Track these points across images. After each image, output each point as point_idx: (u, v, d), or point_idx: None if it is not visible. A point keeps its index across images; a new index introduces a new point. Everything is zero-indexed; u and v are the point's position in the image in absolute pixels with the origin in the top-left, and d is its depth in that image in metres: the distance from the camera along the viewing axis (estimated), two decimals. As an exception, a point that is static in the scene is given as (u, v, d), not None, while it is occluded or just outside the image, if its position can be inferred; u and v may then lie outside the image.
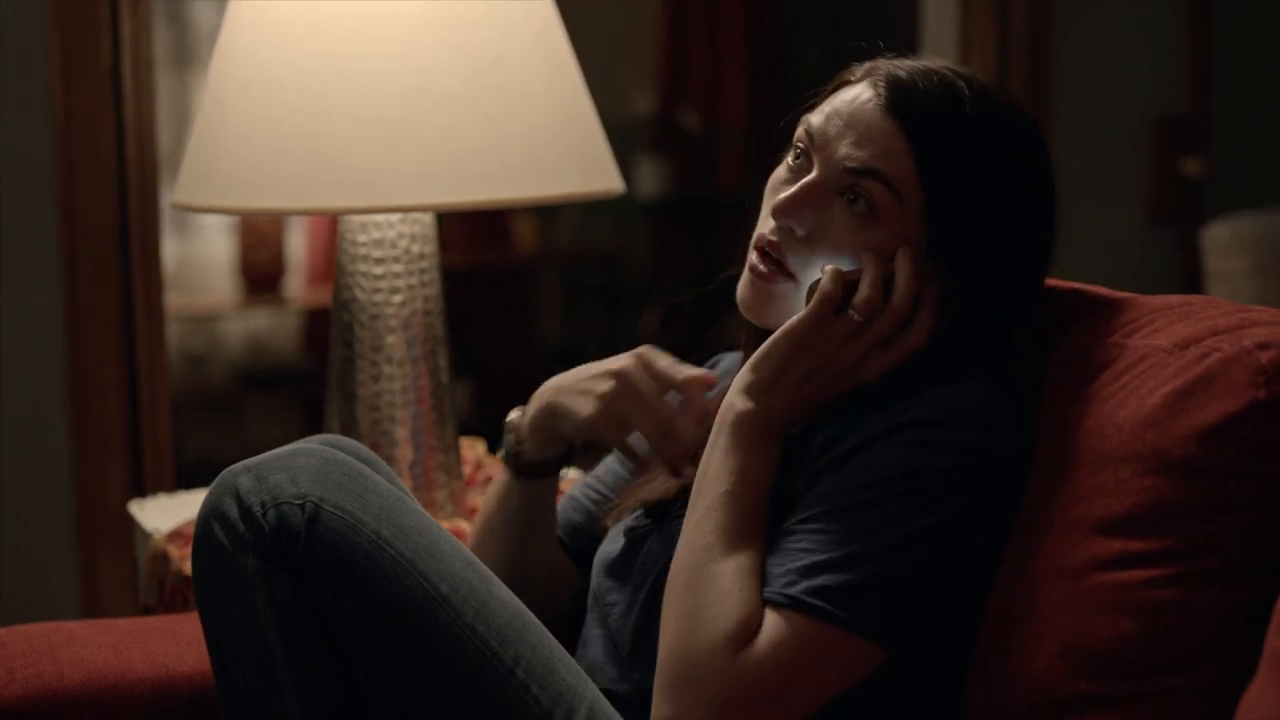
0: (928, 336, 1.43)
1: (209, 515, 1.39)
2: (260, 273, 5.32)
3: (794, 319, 1.42)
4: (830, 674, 1.32)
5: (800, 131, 1.47)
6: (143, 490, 2.65)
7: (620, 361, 1.57)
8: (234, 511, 1.37)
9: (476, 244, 5.77)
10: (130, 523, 2.53)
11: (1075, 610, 1.28)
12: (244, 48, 1.90)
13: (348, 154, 1.83)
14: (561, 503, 1.75)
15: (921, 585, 1.33)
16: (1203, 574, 1.23)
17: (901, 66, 1.45)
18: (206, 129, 1.94)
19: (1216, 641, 1.22)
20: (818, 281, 1.42)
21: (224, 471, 1.42)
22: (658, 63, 6.07)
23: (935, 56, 1.53)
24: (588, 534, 1.68)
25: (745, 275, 1.48)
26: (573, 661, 1.40)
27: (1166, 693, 1.23)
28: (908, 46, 1.61)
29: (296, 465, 1.39)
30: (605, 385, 1.56)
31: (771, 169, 1.51)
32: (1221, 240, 3.60)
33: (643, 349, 1.58)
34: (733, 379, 1.66)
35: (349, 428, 2.02)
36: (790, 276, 1.45)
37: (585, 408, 1.57)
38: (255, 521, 1.36)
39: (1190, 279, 3.67)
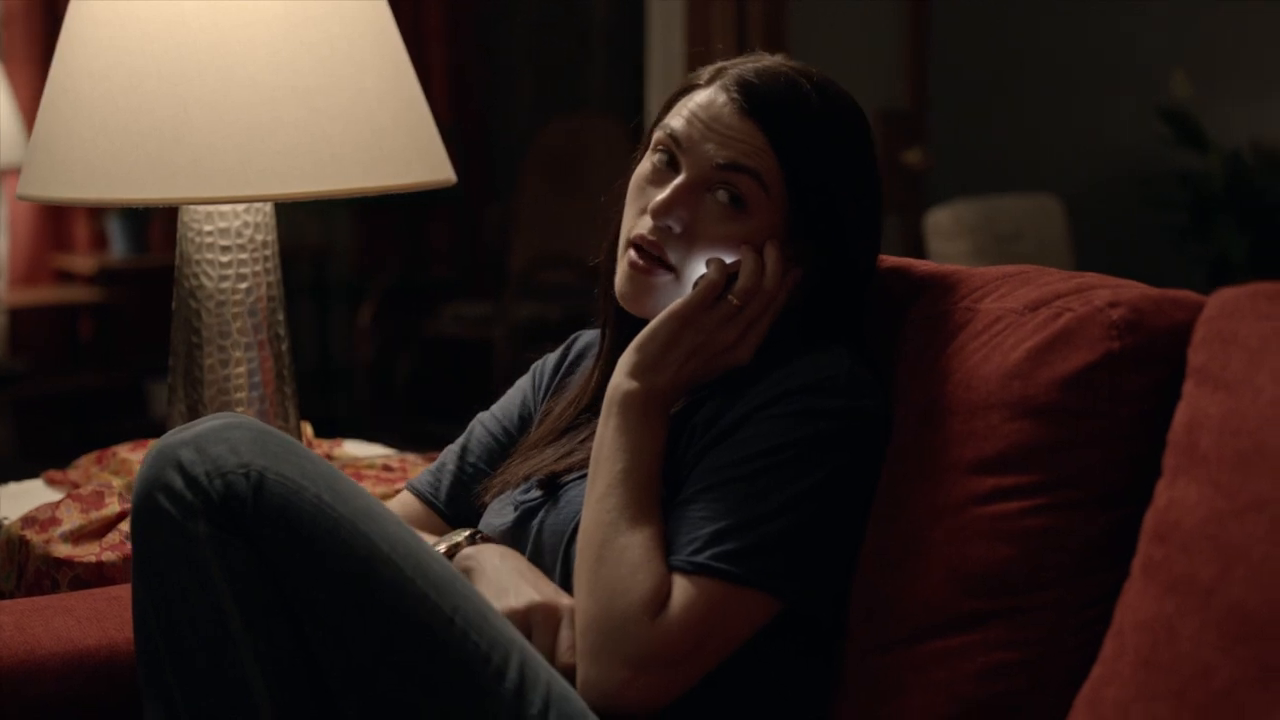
0: (789, 311, 1.59)
1: (150, 487, 1.42)
2: (-36, 273, 5.19)
3: (678, 302, 1.57)
4: (737, 628, 1.48)
5: (662, 135, 1.61)
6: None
7: (560, 601, 1.56)
8: (178, 482, 1.40)
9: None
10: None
11: (958, 541, 1.44)
12: (97, 42, 1.92)
13: (206, 145, 1.88)
14: (435, 472, 1.84)
15: (810, 539, 1.49)
16: (1069, 503, 1.40)
17: (746, 69, 1.60)
18: (55, 121, 1.96)
19: (1083, 560, 1.39)
20: (704, 276, 1.57)
21: (158, 446, 1.44)
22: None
23: (764, 53, 1.69)
24: (467, 506, 1.78)
25: (624, 270, 1.61)
26: (498, 612, 1.49)
27: (1044, 606, 1.39)
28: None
29: (233, 437, 1.43)
30: (534, 603, 1.54)
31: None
32: (943, 225, 3.85)
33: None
34: (590, 355, 1.80)
35: (196, 413, 2.06)
36: (669, 269, 1.59)
37: (508, 598, 1.56)
38: (202, 490, 1.40)
39: (916, 262, 3.94)
